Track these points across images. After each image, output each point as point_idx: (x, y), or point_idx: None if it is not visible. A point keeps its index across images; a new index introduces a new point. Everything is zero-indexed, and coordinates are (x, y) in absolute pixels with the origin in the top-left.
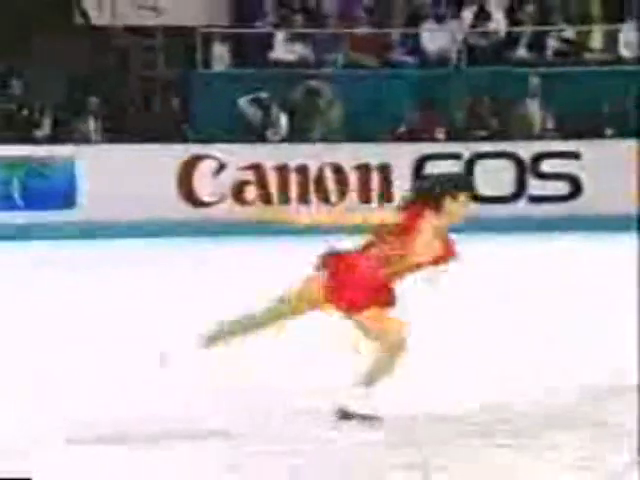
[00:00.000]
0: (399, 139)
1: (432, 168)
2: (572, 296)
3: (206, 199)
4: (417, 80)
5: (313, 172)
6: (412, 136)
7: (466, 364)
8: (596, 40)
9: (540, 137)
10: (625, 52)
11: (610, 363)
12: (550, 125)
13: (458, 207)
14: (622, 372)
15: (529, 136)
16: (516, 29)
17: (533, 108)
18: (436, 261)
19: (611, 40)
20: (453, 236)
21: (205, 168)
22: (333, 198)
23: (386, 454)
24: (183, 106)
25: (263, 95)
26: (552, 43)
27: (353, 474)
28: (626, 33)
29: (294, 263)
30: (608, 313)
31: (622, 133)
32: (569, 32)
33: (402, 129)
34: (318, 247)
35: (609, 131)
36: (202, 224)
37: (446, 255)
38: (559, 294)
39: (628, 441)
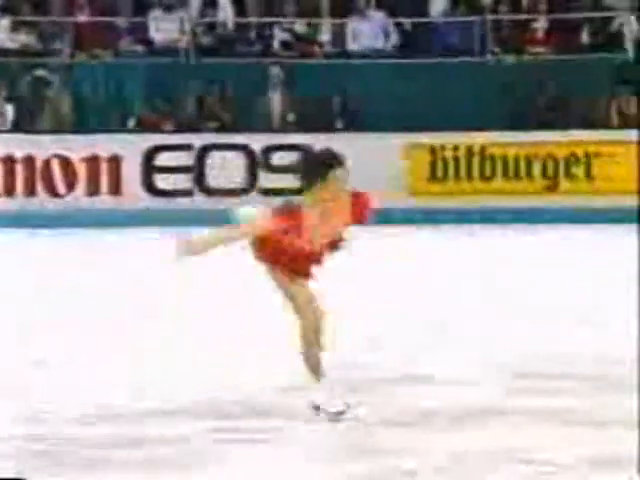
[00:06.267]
0: (129, 130)
1: (163, 160)
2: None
3: None
4: (147, 70)
5: (40, 163)
6: (142, 127)
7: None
8: (325, 34)
9: (274, 130)
10: (352, 46)
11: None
12: (291, 118)
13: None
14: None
15: (262, 128)
16: (244, 20)
17: (266, 100)
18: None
19: (339, 34)
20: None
21: None
22: (61, 190)
23: None
24: None
25: None
26: (281, 36)
27: None
28: (353, 26)
29: None
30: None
31: (351, 126)
32: (299, 25)
33: (132, 120)
34: None
35: (339, 124)
36: None
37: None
38: None
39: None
